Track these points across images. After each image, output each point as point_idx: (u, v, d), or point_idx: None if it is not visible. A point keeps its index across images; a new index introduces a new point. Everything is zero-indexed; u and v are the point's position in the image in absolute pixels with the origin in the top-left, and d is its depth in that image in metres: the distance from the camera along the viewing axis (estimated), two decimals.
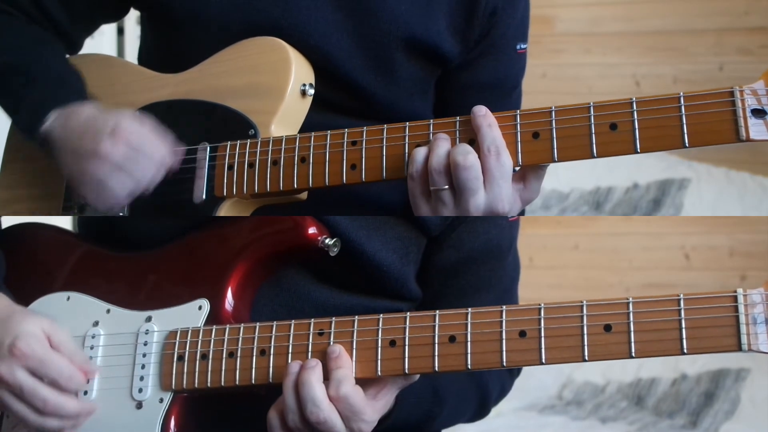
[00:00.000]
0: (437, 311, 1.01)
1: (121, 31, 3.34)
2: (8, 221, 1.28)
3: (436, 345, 1.00)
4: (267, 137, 1.13)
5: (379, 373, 1.01)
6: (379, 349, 1.02)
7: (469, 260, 1.22)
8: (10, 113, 1.22)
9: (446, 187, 1.02)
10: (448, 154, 1.02)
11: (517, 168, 1.04)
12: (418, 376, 1.03)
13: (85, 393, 1.10)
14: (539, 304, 0.98)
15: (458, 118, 1.05)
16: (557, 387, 3.47)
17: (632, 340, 0.94)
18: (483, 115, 1.03)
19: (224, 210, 1.14)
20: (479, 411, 1.29)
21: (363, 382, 1.02)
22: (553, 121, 1.02)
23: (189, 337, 1.09)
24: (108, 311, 1.15)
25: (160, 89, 1.21)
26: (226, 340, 1.07)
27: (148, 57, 1.33)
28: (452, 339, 1.00)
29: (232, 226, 1.14)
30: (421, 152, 1.04)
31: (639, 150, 0.99)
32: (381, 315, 1.03)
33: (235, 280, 1.11)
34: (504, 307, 0.99)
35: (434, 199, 1.03)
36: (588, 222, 3.82)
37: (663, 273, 3.70)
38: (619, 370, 3.44)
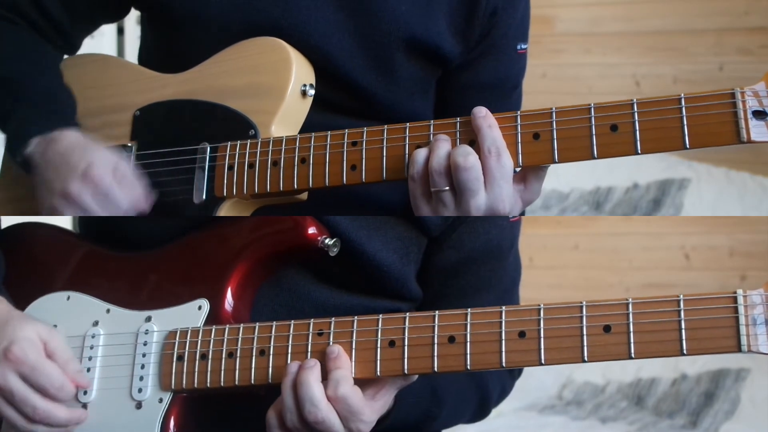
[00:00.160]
0: (436, 312, 1.01)
1: (121, 31, 3.34)
2: (8, 221, 1.28)
3: (436, 345, 1.00)
4: (267, 137, 1.13)
5: (379, 374, 1.01)
6: (379, 349, 1.02)
7: (470, 260, 1.22)
8: None
9: (447, 188, 1.02)
10: (448, 155, 1.02)
11: (518, 169, 1.04)
12: (417, 376, 1.03)
13: (85, 393, 1.10)
14: (539, 305, 0.98)
15: (458, 119, 1.05)
16: (557, 387, 3.47)
17: (632, 340, 0.94)
18: (483, 116, 1.03)
19: (224, 210, 1.14)
20: (479, 411, 1.29)
21: (362, 382, 1.02)
22: (554, 122, 1.02)
23: (188, 337, 1.09)
24: (108, 311, 1.15)
25: (161, 89, 1.21)
26: (225, 340, 1.07)
27: (148, 57, 1.33)
28: (452, 339, 1.00)
29: (232, 226, 1.14)
30: (421, 153, 1.04)
31: (640, 151, 0.99)
32: (380, 315, 1.03)
33: (235, 280, 1.11)
34: (503, 307, 0.99)
35: (435, 200, 1.03)
36: (588, 222, 3.82)
37: (663, 273, 3.70)
38: (619, 370, 3.44)
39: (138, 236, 1.19)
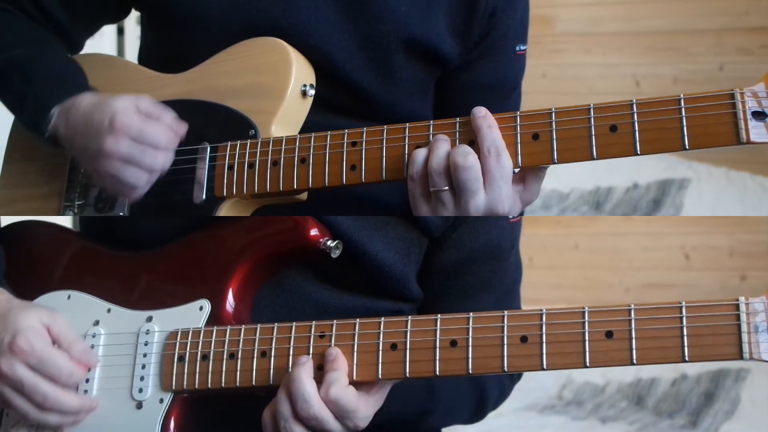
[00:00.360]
0: (438, 315, 1.01)
1: (121, 31, 3.34)
2: (8, 221, 1.28)
3: (438, 349, 1.00)
4: (267, 137, 1.13)
5: (380, 377, 1.01)
6: (380, 352, 1.01)
7: (470, 261, 1.22)
8: (14, 111, 1.23)
9: (446, 188, 1.02)
10: (447, 155, 1.02)
11: (517, 169, 1.04)
12: None
13: (86, 392, 1.10)
14: (541, 309, 0.98)
15: (458, 119, 1.05)
16: (557, 387, 3.47)
17: (633, 347, 0.94)
18: (483, 116, 1.03)
19: (224, 210, 1.14)
20: (477, 411, 1.29)
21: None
22: (553, 123, 1.02)
23: (190, 338, 1.09)
24: (109, 311, 1.15)
25: (161, 89, 1.21)
26: (226, 341, 1.07)
27: (148, 57, 1.33)
28: (453, 343, 1.00)
29: (233, 227, 1.14)
30: (421, 153, 1.04)
31: (639, 152, 0.99)
32: (382, 318, 1.03)
33: (236, 281, 1.11)
34: (506, 312, 0.99)
35: (434, 200, 1.03)
36: (588, 222, 3.82)
37: (663, 273, 3.70)
38: (619, 370, 3.44)
39: (138, 236, 1.19)
